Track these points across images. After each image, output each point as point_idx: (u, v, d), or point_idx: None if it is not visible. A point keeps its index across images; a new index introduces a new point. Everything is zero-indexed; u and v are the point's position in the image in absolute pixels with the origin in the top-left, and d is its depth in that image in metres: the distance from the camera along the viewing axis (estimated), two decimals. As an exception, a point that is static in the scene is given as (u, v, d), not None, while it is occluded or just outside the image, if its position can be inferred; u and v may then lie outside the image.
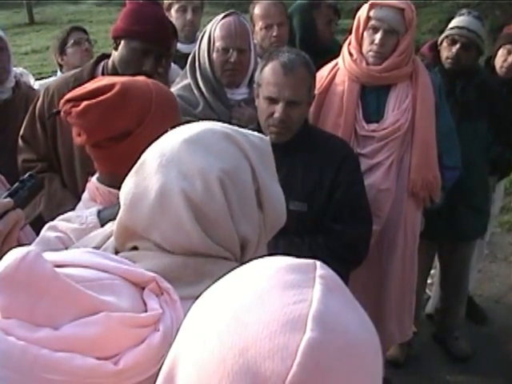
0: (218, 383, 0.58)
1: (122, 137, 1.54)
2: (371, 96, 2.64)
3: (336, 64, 2.70)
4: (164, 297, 0.89)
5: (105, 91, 1.54)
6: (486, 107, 3.14)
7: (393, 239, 2.69)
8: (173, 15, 3.33)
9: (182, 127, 1.13)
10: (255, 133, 1.17)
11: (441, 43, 3.17)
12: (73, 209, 1.77)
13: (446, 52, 3.11)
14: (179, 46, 3.15)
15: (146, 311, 0.84)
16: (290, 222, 2.17)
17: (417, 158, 2.63)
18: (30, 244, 1.37)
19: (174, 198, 1.03)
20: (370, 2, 2.56)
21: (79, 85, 1.80)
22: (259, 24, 3.08)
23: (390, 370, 3.30)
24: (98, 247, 1.14)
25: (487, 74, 3.42)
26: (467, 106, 3.10)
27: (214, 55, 2.56)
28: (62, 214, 2.24)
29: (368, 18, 2.56)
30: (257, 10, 3.11)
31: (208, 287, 0.98)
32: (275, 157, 2.19)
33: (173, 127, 1.17)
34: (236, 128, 1.15)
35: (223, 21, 2.57)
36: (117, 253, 1.12)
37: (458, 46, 3.06)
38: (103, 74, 2.38)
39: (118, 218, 1.12)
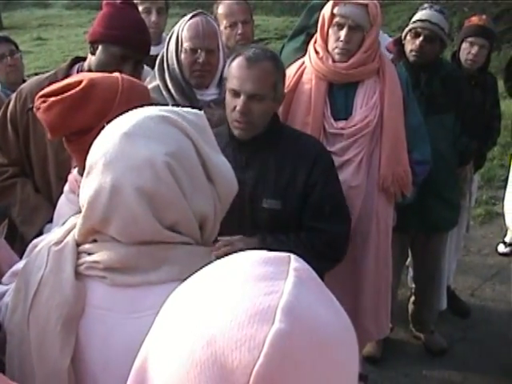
0: (186, 374, 0.59)
1: (83, 132, 1.58)
2: (339, 93, 2.64)
3: (303, 62, 2.69)
4: None
5: (72, 87, 1.58)
6: (451, 100, 3.18)
7: (366, 235, 2.69)
8: (137, 17, 3.30)
9: (118, 120, 1.15)
10: (189, 109, 1.19)
11: (405, 37, 3.21)
12: (51, 212, 1.82)
13: (410, 45, 3.16)
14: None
15: None
16: (264, 220, 2.20)
17: (386, 153, 2.64)
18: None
19: (126, 193, 1.06)
20: (333, 0, 2.56)
21: None
22: (223, 23, 3.07)
23: (366, 366, 3.32)
24: (59, 242, 1.17)
25: (452, 67, 3.47)
26: (433, 99, 3.14)
27: (182, 56, 2.55)
28: (35, 219, 2.22)
29: (332, 15, 2.55)
30: (220, 10, 3.12)
31: (168, 272, 1.06)
32: (244, 154, 2.21)
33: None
34: (171, 108, 1.18)
35: (190, 21, 2.55)
36: (78, 245, 1.16)
37: (421, 38, 3.11)
38: None
39: (79, 220, 1.16)
